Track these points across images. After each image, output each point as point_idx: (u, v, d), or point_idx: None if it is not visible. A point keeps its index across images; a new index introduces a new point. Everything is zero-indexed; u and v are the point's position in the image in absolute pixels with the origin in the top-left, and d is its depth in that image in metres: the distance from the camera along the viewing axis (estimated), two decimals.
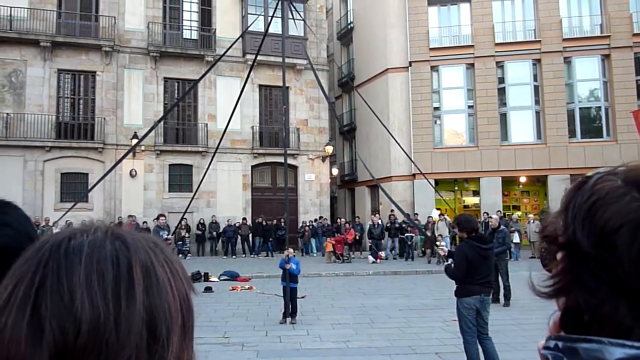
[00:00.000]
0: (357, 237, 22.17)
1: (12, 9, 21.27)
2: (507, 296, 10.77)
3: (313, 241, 23.67)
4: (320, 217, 24.56)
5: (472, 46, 24.85)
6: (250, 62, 17.14)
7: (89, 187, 16.35)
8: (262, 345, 7.82)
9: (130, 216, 21.55)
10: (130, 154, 20.77)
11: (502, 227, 11.61)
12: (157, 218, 14.05)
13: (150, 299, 0.56)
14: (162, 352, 0.55)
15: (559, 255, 0.73)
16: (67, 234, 0.59)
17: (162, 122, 22.33)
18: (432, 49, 25.21)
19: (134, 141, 20.15)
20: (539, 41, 24.41)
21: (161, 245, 0.62)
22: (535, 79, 24.60)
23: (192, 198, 12.81)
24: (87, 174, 21.96)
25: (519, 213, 24.62)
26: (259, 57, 20.55)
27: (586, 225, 0.69)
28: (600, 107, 24.24)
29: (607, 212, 0.67)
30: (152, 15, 23.68)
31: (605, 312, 0.66)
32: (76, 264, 0.55)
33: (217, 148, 11.28)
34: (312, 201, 25.62)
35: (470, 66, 24.96)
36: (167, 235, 13.40)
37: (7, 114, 21.15)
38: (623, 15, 23.92)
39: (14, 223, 1.07)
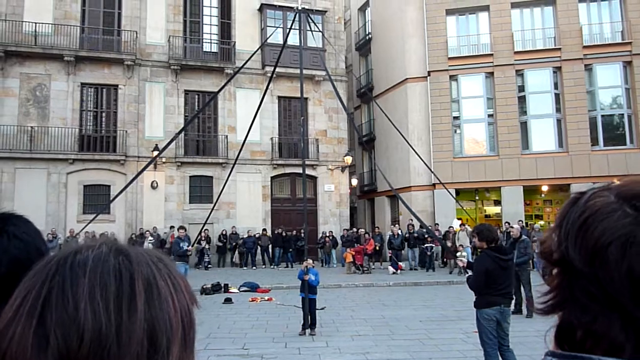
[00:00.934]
0: (377, 248, 22.06)
1: (37, 24, 21.82)
2: (530, 307, 10.59)
3: (333, 252, 23.63)
4: (352, 228, 24.64)
5: (492, 55, 24.70)
6: (270, 74, 17.31)
7: (111, 199, 16.57)
8: (282, 357, 7.81)
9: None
10: (152, 165, 21.05)
11: (524, 237, 11.45)
12: (178, 230, 14.19)
13: (152, 310, 0.58)
14: None
15: (554, 272, 0.74)
16: (74, 248, 0.62)
17: (182, 134, 22.60)
18: (450, 59, 25.13)
19: (155, 153, 20.42)
20: (559, 49, 24.16)
21: (165, 260, 0.65)
22: (555, 87, 24.32)
23: (212, 209, 12.93)
24: (109, 186, 22.29)
25: (542, 222, 24.24)
26: (278, 69, 20.73)
27: (578, 242, 0.69)
28: (622, 114, 23.85)
29: (598, 229, 0.67)
30: (172, 29, 24.07)
31: (597, 329, 0.66)
32: (81, 277, 0.57)
33: (236, 159, 11.37)
34: (332, 212, 25.61)
35: (490, 75, 24.80)
36: (188, 246, 13.46)
37: (32, 127, 21.63)
38: None
39: (23, 236, 1.11)
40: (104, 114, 23.38)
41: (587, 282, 0.67)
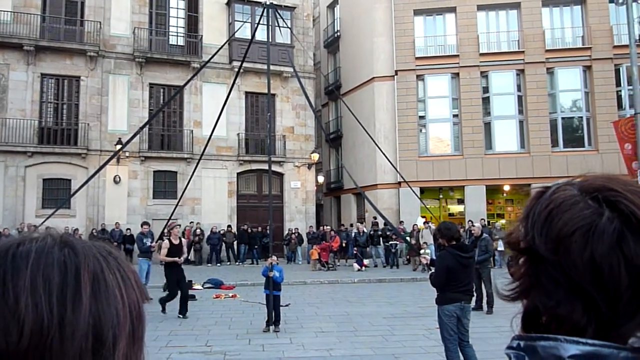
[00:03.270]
0: (344, 245, 22.19)
1: None
2: (490, 304, 10.82)
3: (299, 249, 23.65)
4: (325, 226, 24.69)
5: (457, 56, 25.09)
6: (237, 69, 17.18)
7: (71, 193, 16.18)
8: (245, 354, 7.77)
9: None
10: (114, 160, 20.61)
11: (485, 235, 11.69)
12: (142, 225, 14.01)
13: (98, 304, 0.57)
14: (108, 356, 0.56)
15: (521, 261, 0.78)
16: (17, 240, 0.60)
17: (147, 128, 22.20)
18: (417, 58, 25.42)
19: (119, 147, 20.00)
20: (523, 52, 24.73)
21: (115, 254, 0.64)
22: (519, 89, 24.89)
23: (177, 205, 12.75)
24: (69, 180, 21.72)
25: (503, 221, 24.81)
26: (245, 64, 20.58)
27: (544, 232, 0.73)
28: (582, 117, 24.60)
29: (562, 219, 0.72)
30: (138, 20, 23.59)
31: (561, 312, 0.70)
32: (22, 269, 0.56)
33: (202, 154, 11.25)
34: (298, 209, 25.60)
35: (455, 75, 25.20)
36: (151, 242, 13.26)
37: None
38: (604, 28, 24.34)
39: None
40: (65, 106, 22.74)
41: (552, 269, 0.72)
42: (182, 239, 11.41)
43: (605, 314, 0.68)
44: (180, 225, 12.12)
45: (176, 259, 10.57)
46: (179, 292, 10.58)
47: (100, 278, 0.58)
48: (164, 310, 10.62)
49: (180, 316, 10.46)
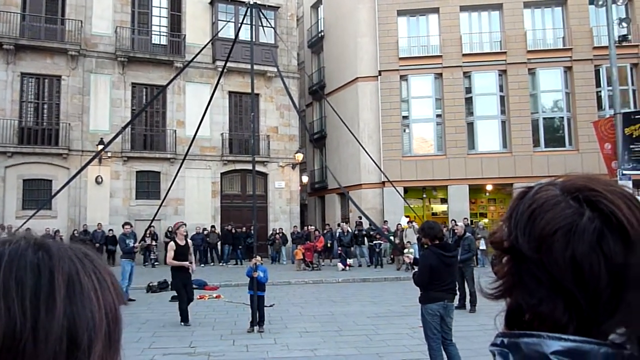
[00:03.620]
0: (328, 245, 22.21)
1: None
2: (473, 302, 10.90)
3: (283, 249, 23.62)
4: (310, 226, 24.65)
5: (441, 56, 25.26)
6: (221, 69, 17.09)
7: (52, 194, 15.98)
8: (229, 354, 7.74)
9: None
10: (96, 160, 20.38)
11: (468, 234, 11.78)
12: (124, 226, 13.86)
13: (73, 307, 0.56)
14: (83, 359, 0.56)
15: (504, 260, 0.79)
16: None
17: (129, 128, 22.00)
18: (401, 59, 25.54)
19: (101, 147, 19.78)
20: (505, 52, 24.98)
21: (91, 256, 0.63)
22: (501, 89, 25.14)
23: (160, 205, 12.66)
24: (50, 181, 21.42)
25: (486, 220, 25.03)
26: (229, 64, 20.48)
27: (527, 231, 0.75)
28: (562, 117, 24.92)
29: (544, 219, 0.73)
30: (120, 19, 23.35)
31: (543, 310, 0.72)
32: None
33: (185, 155, 11.17)
34: (282, 209, 25.56)
35: (439, 76, 25.36)
36: (134, 243, 13.14)
37: None
38: (584, 30, 24.68)
39: None
40: (45, 106, 22.43)
41: (534, 268, 0.73)
42: (189, 240, 10.61)
43: (586, 312, 0.70)
44: (185, 224, 11.20)
45: (185, 263, 9.90)
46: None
47: (75, 280, 0.58)
48: (187, 320, 9.85)
49: (182, 323, 9.85)
